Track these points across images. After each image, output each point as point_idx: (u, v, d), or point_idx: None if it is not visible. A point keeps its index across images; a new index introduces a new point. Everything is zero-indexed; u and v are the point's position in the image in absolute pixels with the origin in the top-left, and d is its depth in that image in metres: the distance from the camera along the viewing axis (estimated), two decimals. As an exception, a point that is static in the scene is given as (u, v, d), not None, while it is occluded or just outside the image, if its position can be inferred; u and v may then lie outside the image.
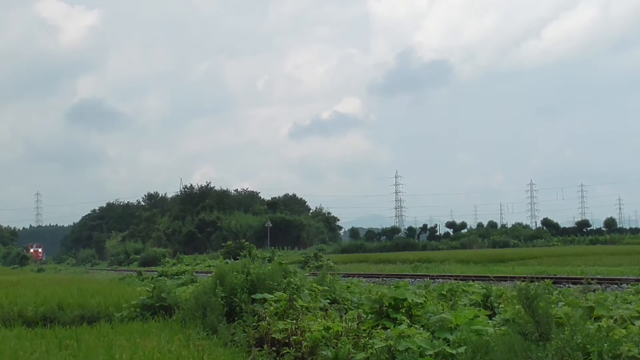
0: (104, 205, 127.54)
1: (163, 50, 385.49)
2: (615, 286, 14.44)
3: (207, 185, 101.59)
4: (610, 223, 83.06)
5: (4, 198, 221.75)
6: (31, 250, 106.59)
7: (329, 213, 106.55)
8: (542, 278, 11.85)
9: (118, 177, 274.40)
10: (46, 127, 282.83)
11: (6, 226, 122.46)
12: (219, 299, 9.44)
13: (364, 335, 6.65)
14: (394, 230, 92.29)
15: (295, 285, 9.69)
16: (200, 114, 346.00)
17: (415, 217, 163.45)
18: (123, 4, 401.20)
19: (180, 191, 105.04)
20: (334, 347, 6.45)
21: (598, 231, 79.76)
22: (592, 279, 12.80)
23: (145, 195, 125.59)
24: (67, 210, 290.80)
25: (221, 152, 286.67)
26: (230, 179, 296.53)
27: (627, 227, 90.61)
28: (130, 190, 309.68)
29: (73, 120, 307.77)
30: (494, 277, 17.83)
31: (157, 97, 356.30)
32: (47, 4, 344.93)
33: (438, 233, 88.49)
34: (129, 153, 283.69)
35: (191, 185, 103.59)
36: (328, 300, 9.74)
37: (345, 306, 9.77)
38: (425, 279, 17.38)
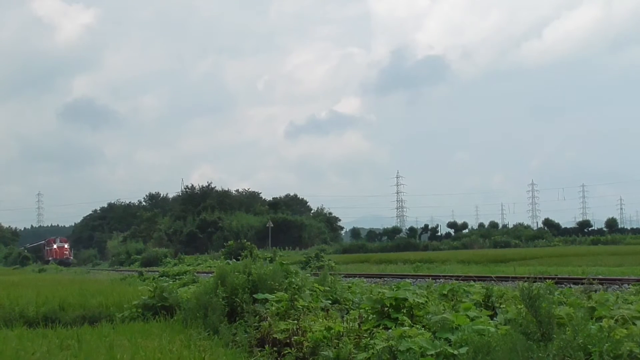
0: (105, 206, 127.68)
1: (162, 49, 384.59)
2: (617, 286, 14.42)
3: (209, 185, 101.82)
4: (611, 223, 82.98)
5: (2, 198, 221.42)
6: (54, 246, 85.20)
7: (330, 213, 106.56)
8: (544, 278, 11.83)
9: (116, 177, 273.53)
10: (42, 126, 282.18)
11: (7, 226, 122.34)
12: (220, 299, 9.44)
13: (365, 335, 6.65)
14: (395, 231, 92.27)
15: (296, 285, 9.68)
16: (199, 114, 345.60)
17: (416, 217, 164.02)
18: (122, 2, 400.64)
19: (182, 191, 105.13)
20: (335, 348, 6.45)
21: (599, 231, 79.65)
22: (594, 279, 12.76)
23: (146, 196, 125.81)
24: (68, 210, 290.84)
25: (220, 151, 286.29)
26: (229, 179, 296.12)
27: (629, 227, 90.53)
28: (129, 190, 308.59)
29: (70, 120, 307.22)
30: (495, 277, 17.79)
31: (156, 96, 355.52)
32: (44, 1, 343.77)
33: (439, 233, 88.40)
34: (127, 152, 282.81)
35: (192, 185, 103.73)
36: (329, 301, 9.74)
37: (347, 306, 9.77)
38: (427, 279, 17.37)
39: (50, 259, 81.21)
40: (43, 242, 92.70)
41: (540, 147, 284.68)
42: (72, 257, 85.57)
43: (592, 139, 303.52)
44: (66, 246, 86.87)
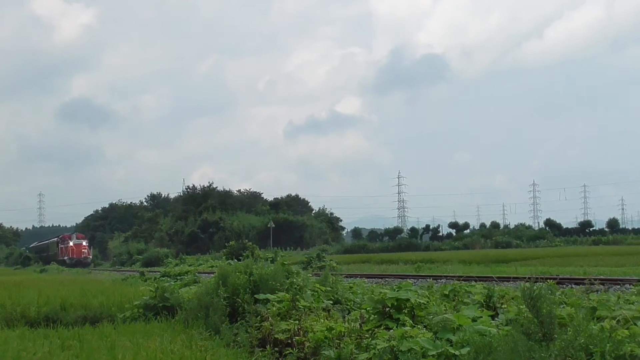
0: (107, 206, 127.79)
1: (163, 48, 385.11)
2: (618, 287, 14.41)
3: (210, 185, 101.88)
4: (613, 223, 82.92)
5: (3, 198, 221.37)
6: (70, 244, 73.52)
7: (331, 213, 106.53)
8: (545, 278, 11.82)
9: (117, 177, 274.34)
10: (42, 126, 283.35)
11: (8, 227, 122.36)
12: (222, 300, 9.45)
13: (366, 335, 6.65)
14: (397, 231, 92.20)
15: (297, 285, 9.68)
16: (200, 114, 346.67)
17: (418, 217, 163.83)
18: (122, 1, 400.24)
19: (183, 191, 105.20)
20: (336, 348, 6.45)
21: (601, 232, 79.54)
22: (595, 279, 12.76)
23: (147, 196, 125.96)
24: (69, 210, 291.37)
25: (221, 151, 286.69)
26: (230, 179, 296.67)
27: (630, 228, 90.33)
28: (130, 190, 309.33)
29: (69, 119, 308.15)
30: (497, 277, 17.79)
31: (156, 96, 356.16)
32: (43, 1, 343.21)
33: (441, 233, 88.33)
34: (127, 152, 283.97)
35: (193, 185, 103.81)
36: (331, 301, 9.73)
37: (348, 307, 9.77)
38: (428, 280, 17.37)
39: (65, 258, 71.60)
40: (56, 239, 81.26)
41: (541, 147, 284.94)
42: (90, 256, 75.57)
43: (593, 139, 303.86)
44: (84, 243, 75.73)
